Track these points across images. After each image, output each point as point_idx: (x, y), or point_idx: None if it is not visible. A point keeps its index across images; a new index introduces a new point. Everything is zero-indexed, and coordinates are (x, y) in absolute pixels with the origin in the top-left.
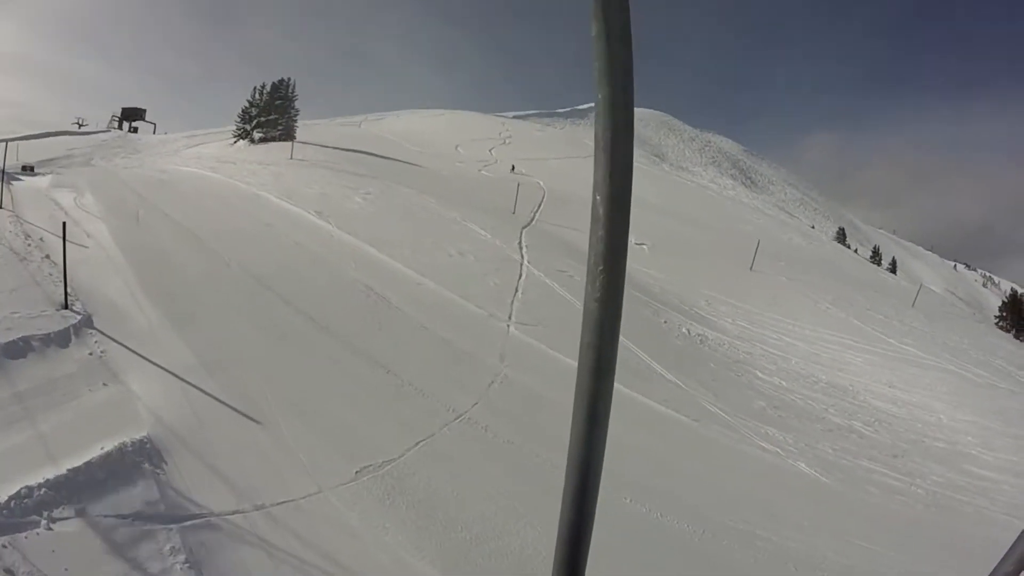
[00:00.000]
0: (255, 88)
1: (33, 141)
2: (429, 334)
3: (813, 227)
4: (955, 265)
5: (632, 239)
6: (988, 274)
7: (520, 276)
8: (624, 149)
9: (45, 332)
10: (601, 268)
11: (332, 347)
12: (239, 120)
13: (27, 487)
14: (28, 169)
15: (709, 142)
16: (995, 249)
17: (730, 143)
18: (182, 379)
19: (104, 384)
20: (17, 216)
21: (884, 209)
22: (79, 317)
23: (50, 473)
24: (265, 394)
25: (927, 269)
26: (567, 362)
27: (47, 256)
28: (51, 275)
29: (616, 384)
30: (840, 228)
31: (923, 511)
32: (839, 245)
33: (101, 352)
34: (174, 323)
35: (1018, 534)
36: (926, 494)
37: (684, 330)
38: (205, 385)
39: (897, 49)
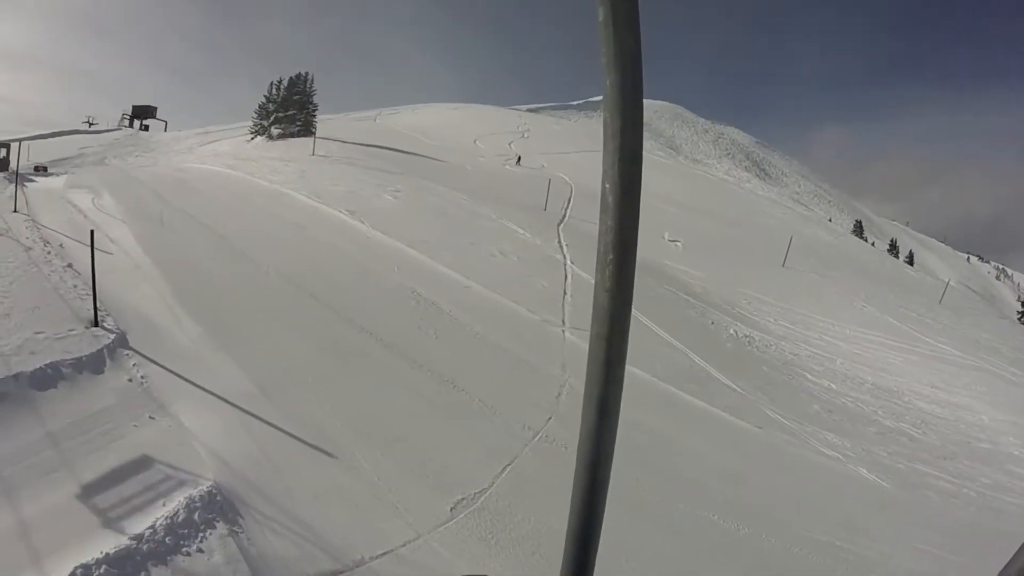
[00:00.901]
0: (272, 83)
1: (44, 140)
2: (486, 343)
3: (830, 220)
4: (968, 257)
5: (666, 235)
6: (1001, 266)
7: (566, 278)
8: (633, 137)
9: (75, 356)
10: (611, 258)
11: (391, 360)
12: (256, 116)
13: (83, 566)
14: (41, 169)
15: (722, 134)
16: (1008, 242)
17: (742, 135)
18: (239, 408)
19: (151, 418)
20: (33, 220)
21: (896, 201)
22: (112, 336)
23: (108, 543)
24: (333, 421)
25: (940, 261)
26: (628, 369)
27: (69, 265)
28: (75, 287)
29: (680, 392)
30: (857, 221)
31: (976, 514)
32: (859, 239)
33: (142, 378)
34: (218, 339)
35: None
36: (977, 496)
37: (732, 331)
38: (266, 413)
39: (907, 41)
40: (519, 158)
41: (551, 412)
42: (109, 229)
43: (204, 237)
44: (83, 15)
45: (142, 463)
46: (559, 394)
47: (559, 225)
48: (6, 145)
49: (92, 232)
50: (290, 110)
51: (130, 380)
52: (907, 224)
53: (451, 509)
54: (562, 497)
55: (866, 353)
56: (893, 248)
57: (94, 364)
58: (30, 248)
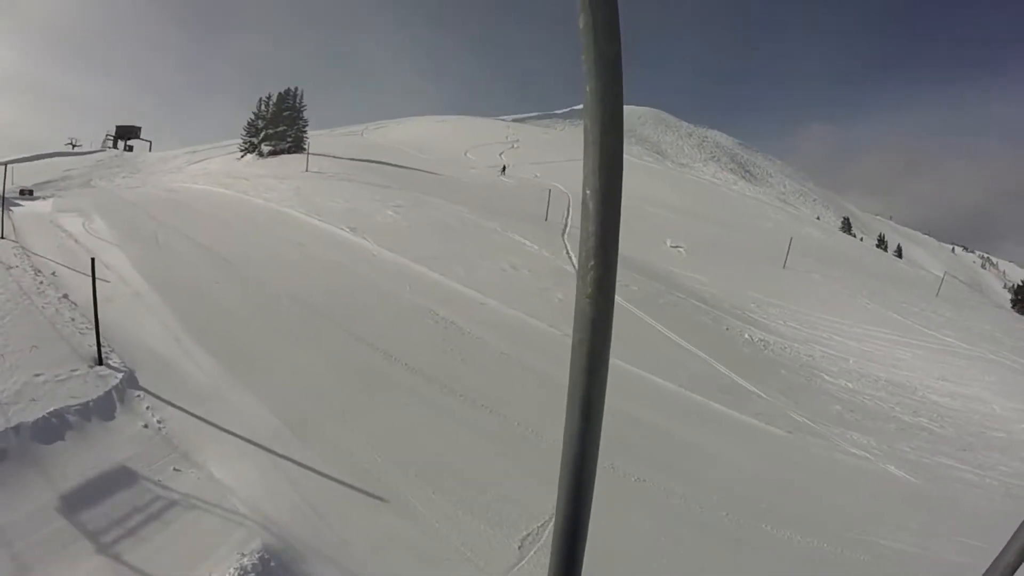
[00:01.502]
0: (261, 99)
1: (27, 163)
2: (513, 362)
3: (818, 218)
4: (953, 248)
5: (668, 242)
6: (986, 255)
7: None
8: (613, 142)
9: (81, 401)
10: (592, 264)
11: (421, 386)
12: (245, 133)
13: None
14: (27, 193)
15: (706, 137)
16: (991, 230)
17: (725, 137)
18: (271, 451)
19: (176, 470)
20: (22, 247)
21: (879, 196)
22: (120, 375)
23: None
24: (373, 457)
25: (926, 254)
26: (657, 382)
27: (65, 296)
28: (73, 320)
29: (709, 402)
30: (845, 218)
31: (1001, 502)
32: (849, 237)
33: (158, 423)
34: (234, 372)
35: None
36: (1000, 485)
37: (747, 336)
38: (300, 455)
39: (887, 36)
40: (504, 168)
41: None
42: (103, 254)
43: (205, 260)
44: (63, 38)
45: (175, 528)
46: (613, 415)
47: (563, 235)
48: None
49: (92, 261)
50: (280, 126)
51: (146, 426)
52: (891, 218)
53: (519, 548)
54: (620, 519)
55: (876, 350)
56: (881, 243)
57: (103, 409)
58: (20, 278)
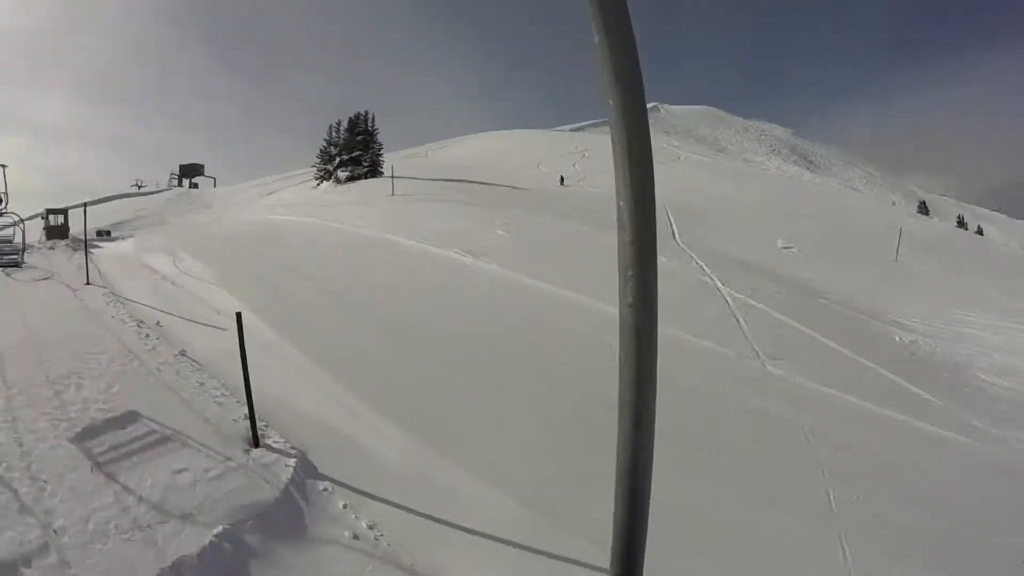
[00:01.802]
0: (331, 126)
1: (97, 206)
2: (703, 394)
3: (894, 203)
4: None
5: (779, 243)
6: None
7: (726, 301)
8: (642, 152)
9: (256, 507)
10: (631, 273)
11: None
12: (319, 161)
13: None
14: (104, 234)
15: (763, 130)
16: None
17: (780, 128)
18: (533, 549)
19: None
20: (114, 294)
21: (940, 174)
22: (292, 461)
23: None
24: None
25: (999, 231)
26: (843, 398)
27: (182, 352)
28: (203, 385)
29: (900, 415)
30: (922, 201)
31: None
32: (932, 220)
33: (370, 529)
34: (432, 445)
35: None
36: None
37: (896, 338)
38: (569, 548)
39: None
40: (562, 179)
41: (844, 480)
42: (207, 297)
43: (326, 299)
44: (112, 87)
45: None
46: (816, 446)
47: (676, 239)
48: (63, 212)
49: (239, 315)
50: (355, 151)
51: (355, 536)
52: (955, 197)
53: None
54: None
55: (1013, 342)
56: (961, 224)
57: (288, 516)
58: (121, 331)
